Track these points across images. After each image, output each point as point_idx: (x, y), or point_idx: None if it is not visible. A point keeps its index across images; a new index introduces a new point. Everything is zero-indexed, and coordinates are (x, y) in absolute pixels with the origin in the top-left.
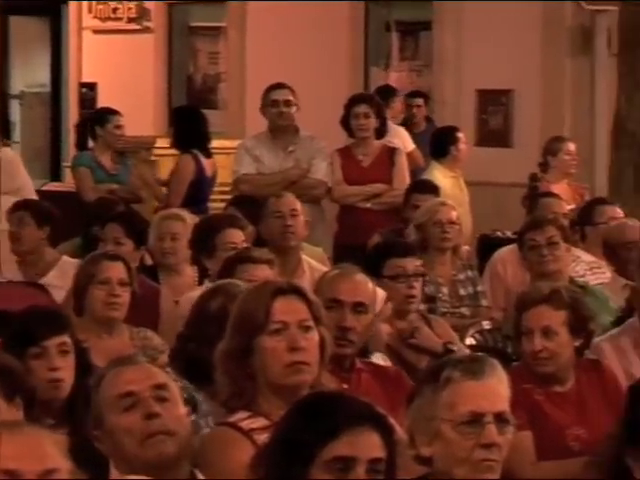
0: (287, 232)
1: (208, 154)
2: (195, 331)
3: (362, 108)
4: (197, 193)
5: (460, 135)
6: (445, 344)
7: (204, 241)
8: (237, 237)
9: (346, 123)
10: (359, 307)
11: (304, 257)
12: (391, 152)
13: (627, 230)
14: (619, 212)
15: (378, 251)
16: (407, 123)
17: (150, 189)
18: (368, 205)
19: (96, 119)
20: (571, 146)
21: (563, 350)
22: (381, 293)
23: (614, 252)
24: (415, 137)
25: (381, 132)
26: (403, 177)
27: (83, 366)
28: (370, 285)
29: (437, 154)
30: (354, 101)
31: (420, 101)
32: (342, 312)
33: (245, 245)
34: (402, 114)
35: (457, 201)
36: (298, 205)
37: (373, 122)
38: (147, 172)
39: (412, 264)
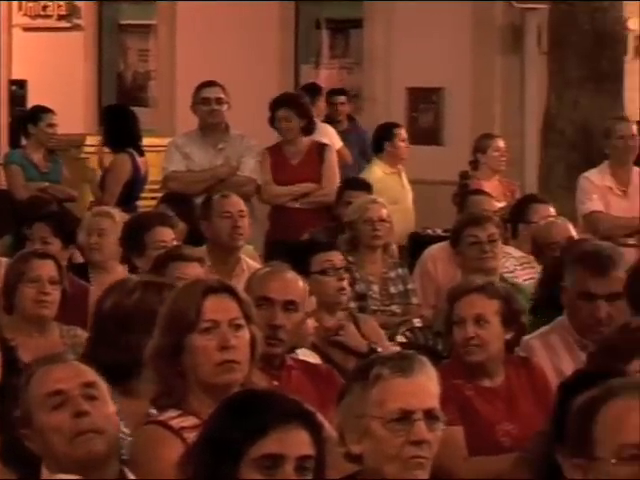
0: (236, 233)
1: (141, 152)
2: (95, 331)
3: (282, 112)
4: (131, 192)
5: (397, 132)
6: (370, 344)
7: (134, 239)
8: (167, 235)
9: (272, 124)
10: (289, 305)
11: (242, 256)
12: (321, 149)
13: (554, 229)
14: (552, 211)
15: (304, 248)
16: (330, 121)
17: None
18: (297, 205)
19: (29, 117)
20: (500, 143)
21: (494, 340)
22: (305, 287)
23: (541, 251)
24: (339, 135)
25: (308, 130)
26: (332, 175)
27: (10, 364)
28: (300, 283)
29: (376, 150)
30: (274, 105)
31: (342, 99)
32: (272, 310)
33: (175, 243)
34: (325, 112)
35: (398, 198)
36: (244, 206)
37: (296, 123)
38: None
39: (338, 257)
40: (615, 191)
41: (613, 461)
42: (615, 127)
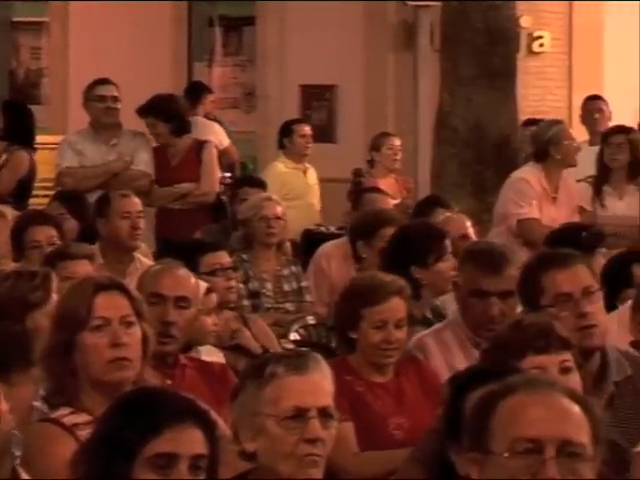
0: (135, 233)
1: (34, 150)
2: None
3: (147, 120)
4: (25, 190)
5: (296, 128)
6: (264, 348)
7: (16, 239)
8: (41, 235)
9: None
10: (181, 302)
11: (136, 254)
12: (199, 148)
13: (451, 225)
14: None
15: (192, 248)
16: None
17: None
18: (178, 206)
19: None
20: (395, 141)
21: (405, 340)
22: (203, 285)
23: None
24: None
25: (181, 131)
26: (210, 174)
27: None
28: (192, 279)
29: (280, 146)
30: (139, 113)
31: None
32: (164, 307)
33: (59, 242)
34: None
35: (299, 194)
36: (141, 206)
37: (162, 129)
38: None
39: (226, 258)
40: (548, 197)
41: (506, 455)
42: (560, 133)
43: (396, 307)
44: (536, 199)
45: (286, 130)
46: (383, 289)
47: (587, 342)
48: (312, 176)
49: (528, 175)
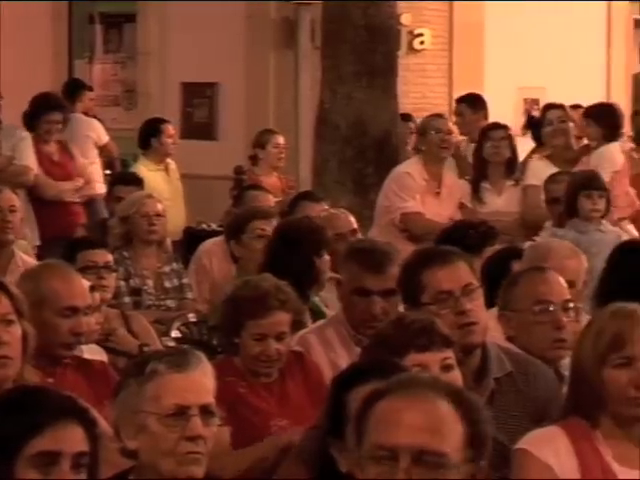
0: (6, 227)
1: None
2: None
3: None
4: None
5: (164, 127)
6: (141, 346)
7: None
8: None
9: None
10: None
11: (17, 251)
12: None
13: (336, 221)
14: (325, 207)
15: (71, 245)
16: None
17: None
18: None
19: None
20: (279, 139)
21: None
22: (86, 283)
23: None
24: None
25: None
26: (77, 170)
27: None
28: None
29: (142, 146)
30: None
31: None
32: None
33: None
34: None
35: (165, 194)
36: (17, 201)
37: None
38: None
39: (102, 255)
40: (430, 190)
41: (368, 460)
42: (432, 122)
43: (278, 321)
44: (419, 193)
45: (154, 129)
46: (265, 303)
47: (467, 339)
48: (174, 172)
49: (411, 169)
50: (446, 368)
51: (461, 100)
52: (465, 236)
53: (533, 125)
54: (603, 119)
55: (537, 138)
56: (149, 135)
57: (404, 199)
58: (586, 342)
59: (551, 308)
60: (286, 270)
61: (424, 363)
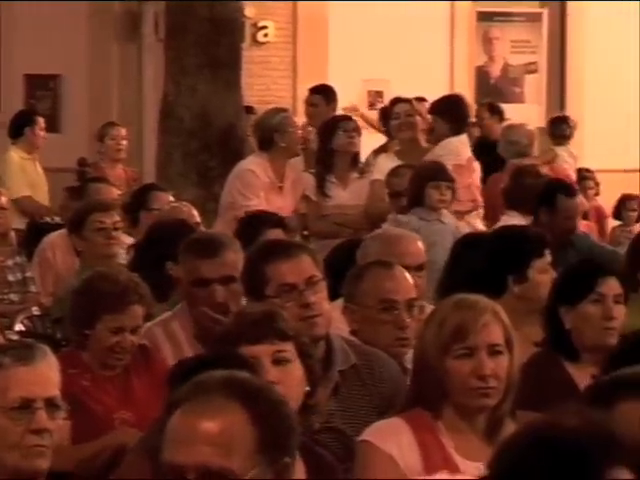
0: None
1: None
2: None
3: None
4: None
5: (38, 119)
6: None
7: None
8: None
9: None
10: None
11: None
12: None
13: (179, 214)
14: (171, 198)
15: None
16: None
17: None
18: None
19: None
20: (121, 131)
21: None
22: None
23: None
24: None
25: None
26: None
27: None
28: None
29: (13, 135)
30: None
31: None
32: None
33: None
34: None
35: (35, 183)
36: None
37: None
38: None
39: None
40: (274, 186)
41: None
42: (285, 121)
43: (136, 315)
44: (263, 190)
45: (29, 120)
46: (125, 297)
47: (311, 332)
48: (39, 167)
49: (254, 166)
50: (279, 361)
51: (316, 91)
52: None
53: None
54: (449, 113)
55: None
56: (22, 125)
57: (248, 197)
58: (429, 333)
59: (395, 308)
60: (149, 270)
61: (255, 355)
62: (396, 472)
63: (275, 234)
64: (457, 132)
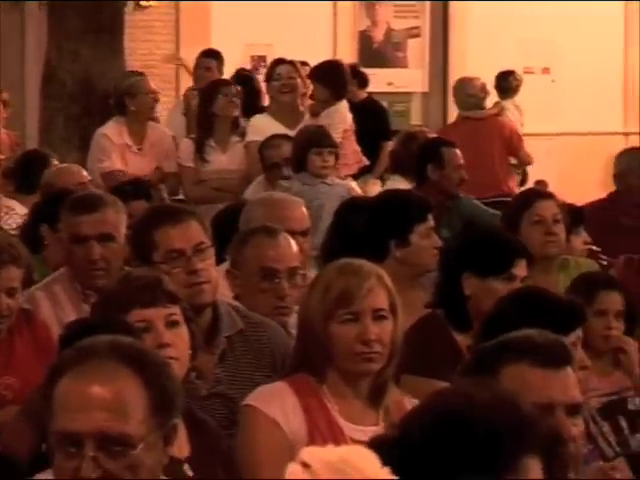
0: None
1: None
2: None
3: None
4: None
5: None
6: None
7: None
8: None
9: None
10: None
11: None
12: None
13: (65, 175)
14: (56, 162)
15: None
16: None
17: None
18: None
19: None
20: (2, 96)
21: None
22: None
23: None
24: None
25: None
26: None
27: None
28: None
29: None
30: None
31: None
32: None
33: None
34: None
35: None
36: None
37: None
38: None
39: None
40: (132, 149)
41: (54, 447)
42: (136, 85)
43: (9, 276)
44: (117, 152)
45: None
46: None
47: (198, 299)
48: None
49: (108, 130)
50: (171, 324)
51: (209, 55)
52: None
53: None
54: (329, 79)
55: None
56: None
57: (101, 160)
58: (314, 298)
59: (276, 277)
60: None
61: (148, 319)
62: (280, 436)
63: (138, 205)
64: (337, 98)
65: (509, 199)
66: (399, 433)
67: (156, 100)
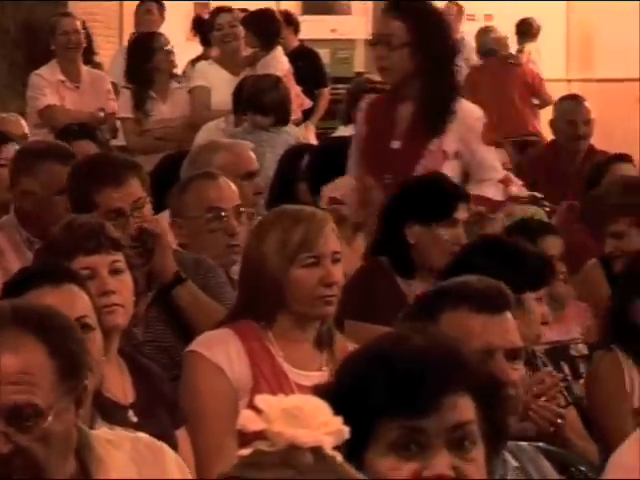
0: None
1: None
2: None
3: None
4: None
5: None
6: None
7: None
8: None
9: None
10: None
11: None
12: None
13: (4, 125)
14: None
15: None
16: None
17: None
18: None
19: None
20: None
21: None
22: None
23: None
24: None
25: None
26: None
27: None
28: None
29: None
30: None
31: None
32: None
33: None
34: None
35: None
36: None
37: None
38: None
39: None
40: (67, 85)
41: None
42: (59, 23)
43: None
44: (51, 88)
45: None
46: None
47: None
48: None
49: (42, 69)
50: (115, 272)
51: None
52: None
53: (201, 28)
54: (260, 26)
55: (206, 42)
56: None
57: (36, 97)
58: (268, 244)
59: (223, 214)
60: None
61: (92, 266)
62: (224, 382)
63: (84, 146)
64: (268, 45)
65: (536, 138)
66: (334, 378)
67: (79, 42)
